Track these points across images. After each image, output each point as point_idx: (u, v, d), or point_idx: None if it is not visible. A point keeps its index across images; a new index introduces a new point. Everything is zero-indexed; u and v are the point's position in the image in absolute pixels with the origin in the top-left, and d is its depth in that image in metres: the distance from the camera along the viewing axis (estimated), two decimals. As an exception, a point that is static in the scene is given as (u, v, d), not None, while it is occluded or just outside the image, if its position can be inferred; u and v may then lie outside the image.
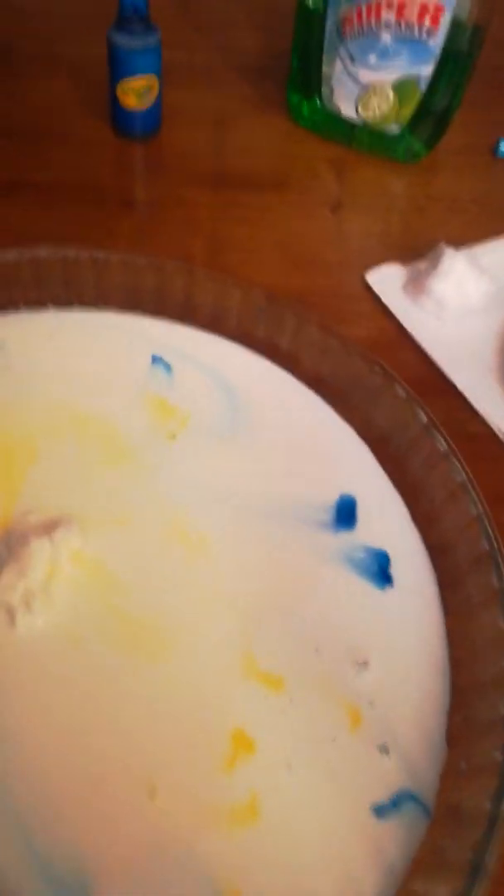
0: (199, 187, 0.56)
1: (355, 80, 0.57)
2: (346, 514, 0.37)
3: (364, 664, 0.33)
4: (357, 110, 0.58)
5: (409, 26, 0.53)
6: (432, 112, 0.57)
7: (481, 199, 0.57)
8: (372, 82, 0.56)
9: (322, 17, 0.55)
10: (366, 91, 0.57)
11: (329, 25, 0.55)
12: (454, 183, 0.59)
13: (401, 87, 0.56)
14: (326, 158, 0.60)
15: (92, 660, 0.32)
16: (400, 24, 0.53)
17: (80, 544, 0.34)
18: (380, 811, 0.29)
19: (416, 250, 0.51)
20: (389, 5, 0.52)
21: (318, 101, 0.60)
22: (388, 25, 0.53)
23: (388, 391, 0.39)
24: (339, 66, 0.57)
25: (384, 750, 0.30)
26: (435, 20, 0.52)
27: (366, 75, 0.56)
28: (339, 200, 0.56)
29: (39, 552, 0.33)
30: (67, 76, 0.63)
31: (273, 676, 0.32)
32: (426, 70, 0.54)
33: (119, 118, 0.57)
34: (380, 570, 0.36)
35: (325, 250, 0.52)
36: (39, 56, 0.65)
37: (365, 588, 0.35)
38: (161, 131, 0.59)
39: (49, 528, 0.34)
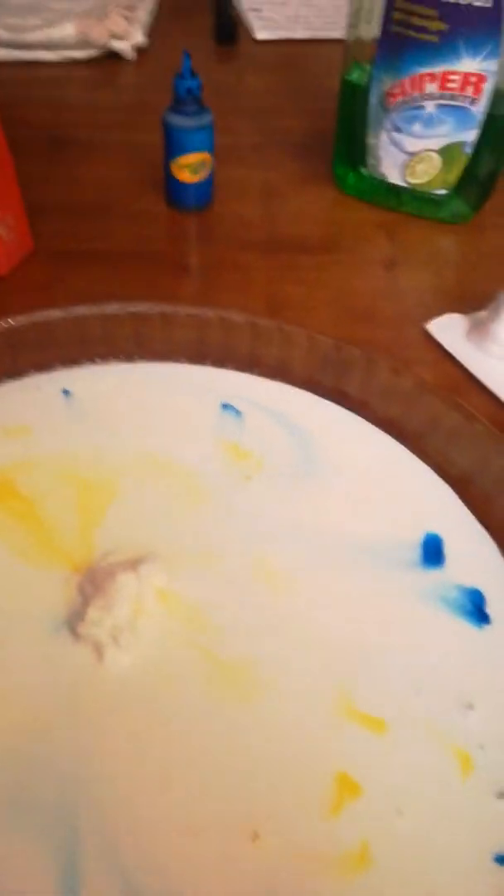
0: (254, 252, 0.57)
1: (401, 148, 0.59)
2: (433, 552, 0.36)
3: (469, 706, 0.31)
4: (404, 177, 0.60)
5: (452, 96, 0.55)
6: (478, 175, 0.59)
7: (531, 255, 0.58)
8: (418, 150, 0.58)
9: (366, 92, 0.58)
10: (412, 158, 0.59)
11: (373, 99, 0.58)
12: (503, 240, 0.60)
13: (446, 153, 0.58)
14: (375, 222, 0.61)
15: (183, 699, 0.30)
16: (443, 95, 0.55)
17: (164, 582, 0.33)
18: (503, 859, 0.27)
19: (474, 302, 0.51)
20: (433, 78, 0.55)
21: (364, 171, 0.62)
22: (431, 96, 0.56)
23: (468, 430, 0.39)
24: (384, 136, 0.59)
25: (503, 796, 0.28)
26: (477, 89, 0.55)
27: (411, 144, 0.58)
28: (392, 259, 0.57)
29: (125, 587, 0.32)
30: (120, 160, 0.67)
31: (373, 718, 0.30)
32: (471, 135, 0.57)
33: (174, 192, 0.60)
34: (475, 608, 0.34)
35: (383, 305, 0.53)
36: (93, 143, 0.69)
37: (461, 627, 0.33)
38: (213, 204, 0.61)
39: (134, 564, 0.33)
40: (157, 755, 0.28)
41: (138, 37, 0.85)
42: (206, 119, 0.56)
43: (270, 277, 0.55)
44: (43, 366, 0.43)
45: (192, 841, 0.26)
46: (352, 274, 0.56)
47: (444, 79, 0.55)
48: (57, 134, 0.70)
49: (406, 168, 0.60)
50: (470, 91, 0.55)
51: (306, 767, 0.28)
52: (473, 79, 0.54)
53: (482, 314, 0.50)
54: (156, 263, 0.56)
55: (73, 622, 0.32)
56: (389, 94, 0.57)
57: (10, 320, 0.42)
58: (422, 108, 0.56)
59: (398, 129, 0.58)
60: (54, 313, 0.43)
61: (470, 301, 0.52)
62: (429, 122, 0.57)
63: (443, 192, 0.60)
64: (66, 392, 0.42)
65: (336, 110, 0.61)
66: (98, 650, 0.31)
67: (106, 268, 0.54)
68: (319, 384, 0.44)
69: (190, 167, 0.57)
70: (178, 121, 0.55)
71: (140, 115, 0.74)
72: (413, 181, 0.60)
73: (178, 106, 0.55)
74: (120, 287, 0.52)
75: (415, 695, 0.31)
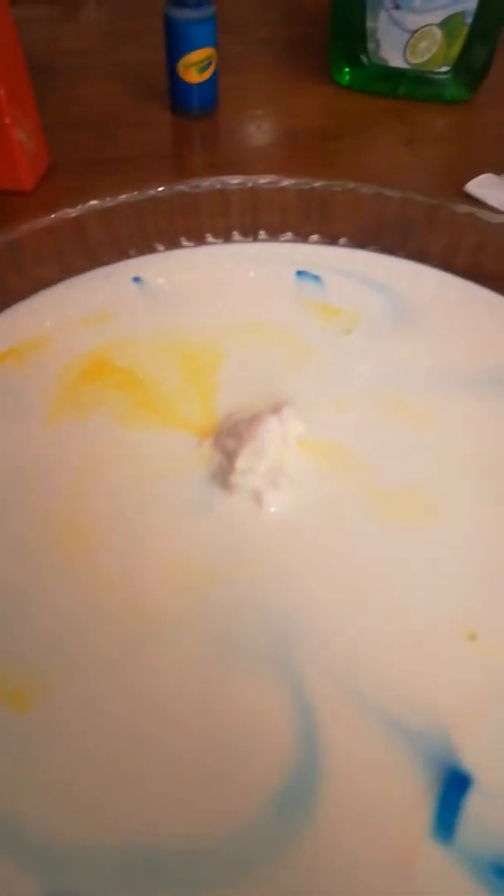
0: (273, 144, 0.56)
1: (402, 27, 0.58)
2: (547, 372, 0.36)
3: None
4: (406, 57, 0.60)
5: (450, -36, 0.55)
6: (475, 49, 0.59)
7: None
8: (419, 27, 0.58)
9: (362, -27, 0.57)
10: (413, 36, 0.58)
11: (370, -21, 0.57)
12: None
13: (447, 26, 0.57)
14: (380, 109, 0.61)
15: (359, 528, 0.30)
16: (442, -36, 0.55)
17: (303, 429, 0.32)
18: None
19: (500, 167, 0.52)
20: None
21: (365, 58, 0.61)
22: (430, -33, 0.55)
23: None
24: (383, 17, 0.58)
25: None
26: (475, -46, 0.54)
27: (412, 21, 0.58)
28: (409, 137, 0.57)
29: (272, 431, 0.31)
30: (110, 79, 0.65)
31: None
32: (471, 3, 0.56)
33: (180, 96, 0.58)
34: None
35: (416, 176, 0.52)
36: (79, 68, 0.67)
37: None
38: (217, 108, 0.60)
39: (275, 408, 0.32)
40: (352, 581, 0.28)
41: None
42: (209, 10, 0.54)
43: (299, 163, 0.54)
44: (108, 259, 0.42)
45: (413, 649, 0.26)
46: (377, 153, 0.55)
47: None
48: (37, 64, 0.66)
49: (407, 48, 0.59)
50: (468, -44, 0.54)
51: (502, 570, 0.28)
52: None
53: (517, 171, 0.50)
54: (177, 165, 0.54)
55: (222, 477, 0.31)
56: (386, -29, 0.56)
57: (69, 210, 0.40)
58: (421, -20, 0.56)
59: (398, 7, 0.57)
60: (107, 202, 0.41)
61: (497, 166, 0.52)
62: (429, -6, 0.56)
63: (444, 69, 0.60)
64: (136, 279, 0.41)
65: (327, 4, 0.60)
66: (256, 497, 0.30)
67: (127, 174, 0.53)
68: (387, 243, 0.43)
69: (197, 65, 0.56)
70: (181, 14, 0.53)
71: (117, 41, 0.72)
72: (415, 60, 0.60)
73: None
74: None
75: None
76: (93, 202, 0.40)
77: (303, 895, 0.21)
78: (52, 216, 0.39)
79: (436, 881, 0.22)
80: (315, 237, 0.44)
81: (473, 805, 0.23)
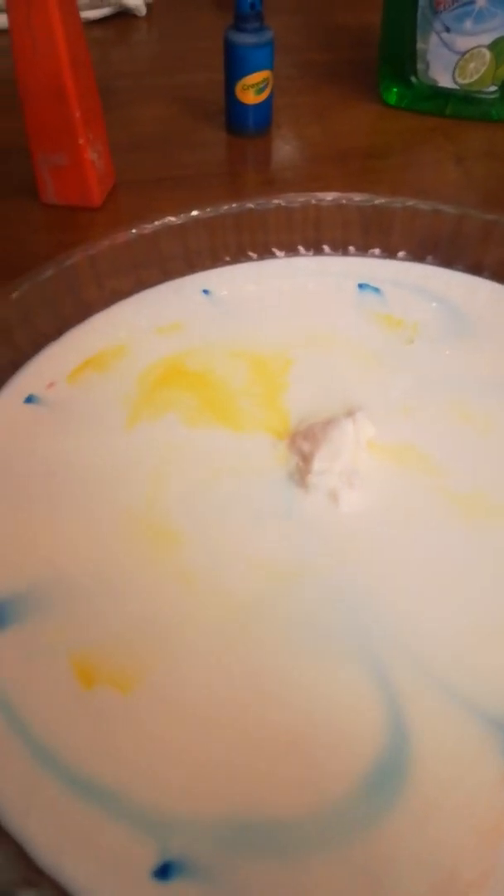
0: (325, 163, 0.58)
1: (452, 49, 0.60)
2: None
3: None
4: (454, 78, 0.62)
5: (502, -13, 0.57)
6: (525, 69, 0.61)
7: None
8: (469, 48, 0.60)
9: (413, -1, 0.59)
10: (462, 57, 0.60)
11: (421, 2, 0.59)
12: None
13: (497, 47, 0.59)
14: (427, 127, 0.63)
15: (433, 527, 0.31)
16: (493, -13, 0.57)
17: (373, 433, 0.34)
18: None
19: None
20: (481, -28, 0.57)
21: (414, 78, 0.63)
22: (481, -10, 0.57)
23: None
24: (434, 39, 0.60)
25: None
26: (526, -23, 0.56)
27: (462, 42, 0.60)
28: (457, 155, 0.59)
29: (346, 434, 0.33)
30: (166, 100, 0.67)
31: None
32: (520, 26, 0.58)
33: (236, 116, 0.60)
34: None
35: (467, 194, 0.54)
36: (136, 89, 0.69)
37: None
38: (270, 128, 0.62)
39: (349, 413, 0.34)
40: (426, 575, 0.30)
41: (149, -7, 0.86)
42: (267, 35, 0.56)
43: (350, 182, 0.56)
44: (179, 271, 0.44)
45: (487, 639, 0.28)
46: (426, 171, 0.57)
47: (492, -30, 0.56)
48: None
49: (456, 69, 0.61)
50: (520, -20, 0.56)
51: None
52: (522, -33, 0.56)
53: None
54: (233, 182, 0.56)
55: (300, 477, 0.33)
56: (437, -5, 0.58)
57: (145, 226, 0.42)
58: (472, 3, 0.58)
59: (448, 30, 0.59)
60: (181, 218, 0.43)
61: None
62: (479, 17, 0.58)
63: (492, 89, 0.62)
64: (205, 291, 0.43)
65: (381, 21, 0.63)
66: (333, 496, 0.32)
67: (188, 192, 0.55)
68: (443, 257, 0.45)
69: (255, 87, 0.58)
70: (241, 38, 0.56)
71: (168, 62, 0.75)
72: (463, 81, 0.62)
73: (240, 24, 0.56)
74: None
75: None
76: (169, 218, 0.42)
77: (398, 860, 0.23)
78: (132, 231, 0.41)
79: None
80: (375, 251, 0.45)
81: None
